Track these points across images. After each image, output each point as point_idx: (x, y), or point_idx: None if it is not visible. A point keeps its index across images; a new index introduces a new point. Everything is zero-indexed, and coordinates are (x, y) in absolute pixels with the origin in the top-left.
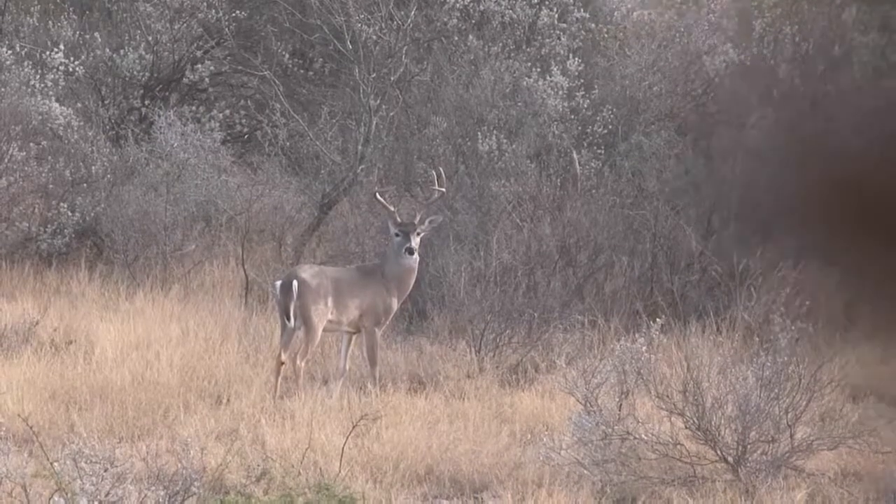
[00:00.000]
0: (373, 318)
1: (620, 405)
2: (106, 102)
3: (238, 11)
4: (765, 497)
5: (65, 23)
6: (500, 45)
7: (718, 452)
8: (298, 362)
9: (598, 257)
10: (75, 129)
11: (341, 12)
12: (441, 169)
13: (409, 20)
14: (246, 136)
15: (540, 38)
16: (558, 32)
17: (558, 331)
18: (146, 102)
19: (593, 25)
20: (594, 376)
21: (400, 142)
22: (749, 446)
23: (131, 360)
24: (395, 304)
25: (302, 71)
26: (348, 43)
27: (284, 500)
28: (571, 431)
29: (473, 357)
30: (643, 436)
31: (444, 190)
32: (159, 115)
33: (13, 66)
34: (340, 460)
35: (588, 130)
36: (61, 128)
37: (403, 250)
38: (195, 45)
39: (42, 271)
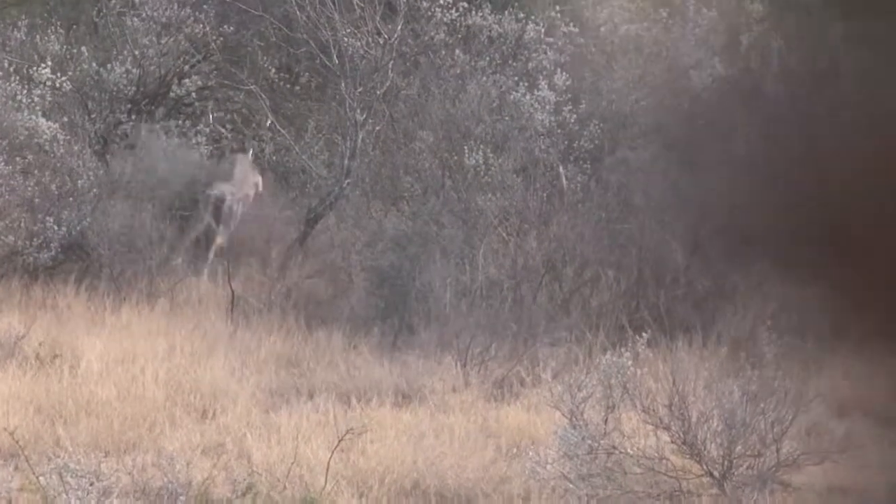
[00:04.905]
0: None
1: (606, 419)
2: (92, 116)
3: (225, 26)
4: None
5: (52, 37)
6: (487, 59)
7: (704, 467)
8: None
9: (585, 272)
10: (61, 142)
11: (328, 27)
12: None
13: (396, 34)
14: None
15: (527, 52)
16: (545, 47)
17: (544, 345)
18: (133, 116)
19: (581, 40)
20: (580, 390)
21: (386, 156)
22: (735, 460)
23: (117, 374)
24: None
25: (288, 85)
26: (335, 57)
27: None
28: (557, 445)
29: (459, 371)
30: (629, 450)
31: None
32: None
33: (0, 82)
34: (326, 474)
35: (575, 145)
36: (47, 142)
37: None
38: (182, 59)
39: (28, 285)
